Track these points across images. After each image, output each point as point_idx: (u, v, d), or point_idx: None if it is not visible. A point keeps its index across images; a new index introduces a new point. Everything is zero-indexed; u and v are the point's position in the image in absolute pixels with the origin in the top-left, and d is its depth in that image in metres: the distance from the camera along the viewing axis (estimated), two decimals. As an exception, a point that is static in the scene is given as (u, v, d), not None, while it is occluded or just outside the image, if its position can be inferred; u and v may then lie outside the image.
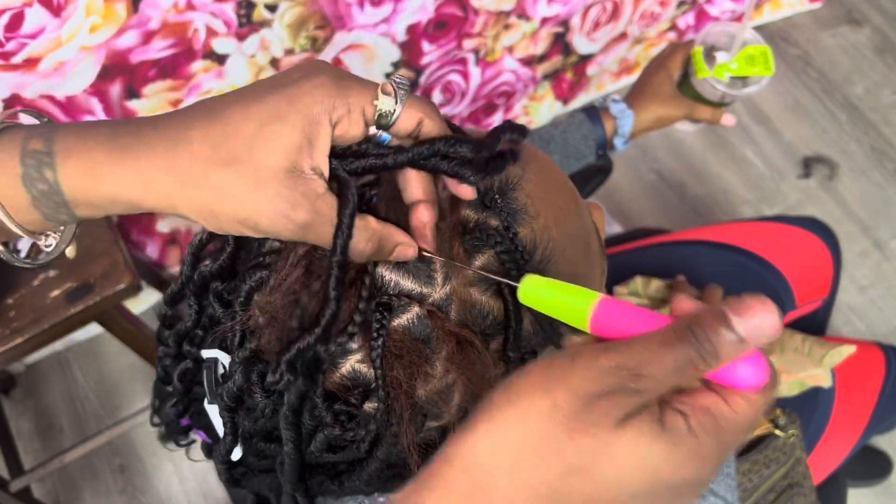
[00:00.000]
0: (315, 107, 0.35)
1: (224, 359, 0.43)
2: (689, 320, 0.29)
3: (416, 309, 0.38)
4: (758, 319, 0.28)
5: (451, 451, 0.30)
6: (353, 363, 0.39)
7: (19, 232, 0.36)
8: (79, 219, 0.37)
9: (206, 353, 0.44)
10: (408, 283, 0.38)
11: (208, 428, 0.48)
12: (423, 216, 0.38)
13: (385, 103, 0.36)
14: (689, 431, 0.29)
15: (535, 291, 0.35)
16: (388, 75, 1.25)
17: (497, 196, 0.40)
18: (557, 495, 0.29)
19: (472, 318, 0.39)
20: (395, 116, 0.37)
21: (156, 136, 0.35)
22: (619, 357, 0.29)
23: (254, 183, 0.34)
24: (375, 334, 0.37)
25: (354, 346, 0.39)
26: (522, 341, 0.40)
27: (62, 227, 0.40)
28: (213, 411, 0.45)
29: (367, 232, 0.36)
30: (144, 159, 0.34)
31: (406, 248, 0.38)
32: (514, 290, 0.39)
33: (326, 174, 0.36)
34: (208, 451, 0.49)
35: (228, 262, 0.42)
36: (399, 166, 0.37)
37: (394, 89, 0.37)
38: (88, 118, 1.01)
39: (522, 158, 0.42)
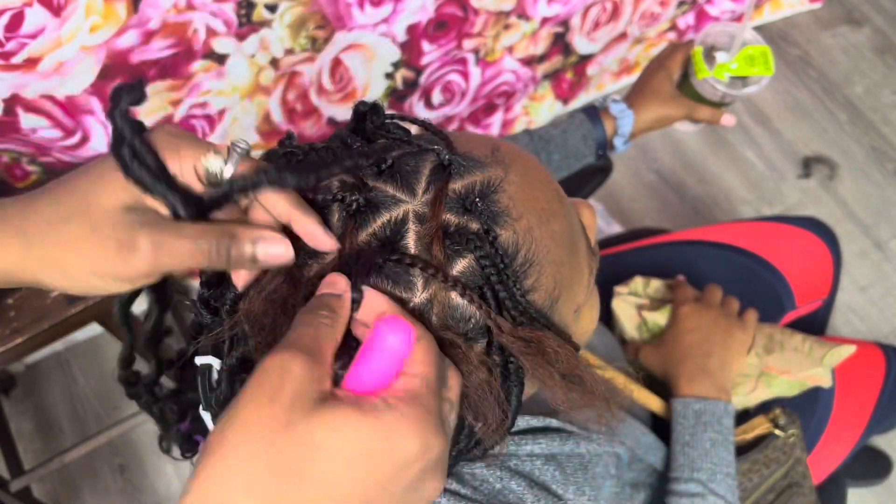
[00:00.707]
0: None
1: (218, 365, 0.43)
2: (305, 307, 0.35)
3: None
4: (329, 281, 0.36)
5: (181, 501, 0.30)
6: (337, 370, 0.39)
7: None
8: None
9: (200, 360, 0.44)
10: (386, 289, 0.38)
11: (206, 434, 0.48)
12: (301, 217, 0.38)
13: (212, 163, 0.37)
14: (387, 405, 0.31)
15: None
16: (388, 75, 1.25)
17: (478, 199, 0.39)
18: None
19: (454, 323, 0.39)
20: (223, 176, 0.37)
21: (11, 208, 0.36)
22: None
23: (90, 228, 0.34)
24: (354, 342, 0.37)
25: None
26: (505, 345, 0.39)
27: None
28: (207, 418, 0.45)
29: (184, 239, 0.36)
30: (0, 232, 0.35)
31: (270, 243, 0.38)
32: (495, 292, 0.39)
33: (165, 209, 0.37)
34: None
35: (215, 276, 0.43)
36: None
37: (228, 151, 0.38)
38: (90, 118, 1.01)
39: (505, 159, 0.42)
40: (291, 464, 0.29)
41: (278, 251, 0.38)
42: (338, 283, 0.36)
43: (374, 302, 0.36)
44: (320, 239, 0.38)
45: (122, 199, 0.35)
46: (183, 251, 0.35)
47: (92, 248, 0.34)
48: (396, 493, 0.31)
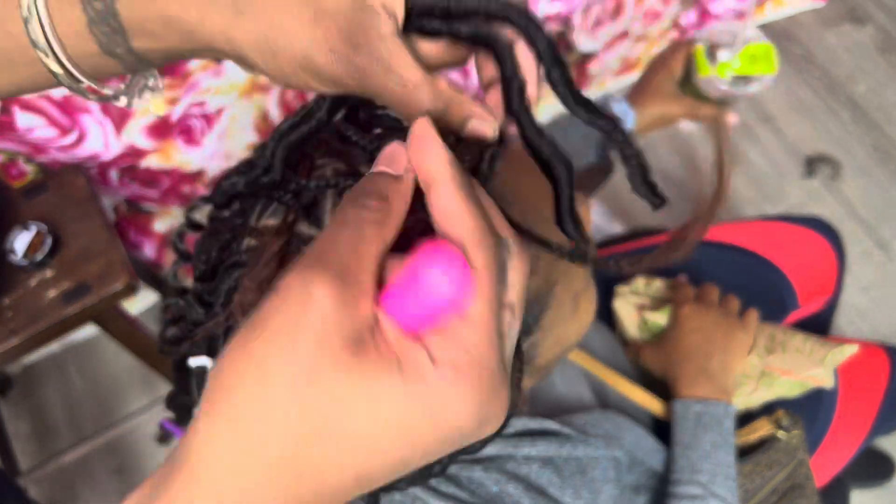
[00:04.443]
0: None
1: (211, 364, 0.43)
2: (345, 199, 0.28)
3: None
4: (386, 154, 0.29)
5: (179, 452, 0.25)
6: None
7: (76, 73, 0.33)
8: (138, 55, 0.34)
9: (195, 362, 0.43)
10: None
11: None
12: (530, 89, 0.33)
13: None
14: (435, 372, 0.25)
15: None
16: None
17: None
18: (303, 474, 0.24)
19: None
20: None
21: None
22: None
23: (313, 14, 0.30)
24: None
25: None
26: None
27: (127, 80, 0.37)
28: None
29: (432, 88, 0.31)
30: None
31: (482, 124, 0.32)
32: None
33: (400, 18, 0.32)
34: None
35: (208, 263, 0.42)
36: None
37: None
38: (87, 117, 1.00)
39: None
40: (316, 424, 0.24)
41: (485, 129, 0.33)
42: (397, 157, 0.29)
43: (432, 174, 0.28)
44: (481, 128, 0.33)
45: None
46: (405, 80, 0.31)
47: (310, 37, 0.30)
48: (442, 454, 0.26)
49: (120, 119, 1.03)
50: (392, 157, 0.29)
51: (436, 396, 0.25)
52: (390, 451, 0.25)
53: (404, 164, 0.29)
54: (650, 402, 0.76)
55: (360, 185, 0.28)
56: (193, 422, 0.25)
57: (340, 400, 0.24)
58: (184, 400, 0.51)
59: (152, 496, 0.25)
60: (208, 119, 1.12)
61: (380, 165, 0.29)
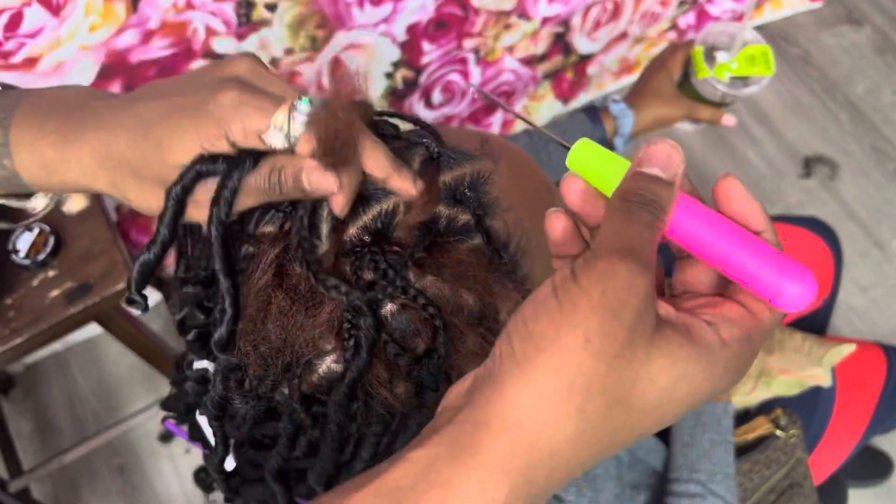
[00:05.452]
0: (211, 117, 0.36)
1: (213, 368, 0.43)
2: (621, 194, 0.30)
3: (388, 306, 0.38)
4: (662, 155, 0.29)
5: (484, 412, 0.27)
6: (329, 364, 0.39)
7: None
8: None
9: (197, 365, 0.44)
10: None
11: (205, 440, 0.47)
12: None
13: (274, 139, 0.36)
14: (723, 345, 0.29)
15: (582, 158, 0.32)
16: (388, 75, 1.25)
17: (467, 190, 0.39)
18: (601, 433, 0.27)
19: (447, 312, 0.39)
20: (290, 142, 0.36)
21: (93, 124, 0.36)
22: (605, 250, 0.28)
23: (160, 181, 0.37)
24: (347, 335, 0.37)
25: (328, 346, 0.38)
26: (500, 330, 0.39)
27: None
28: (204, 422, 0.45)
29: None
30: (84, 147, 0.36)
31: (313, 173, 0.36)
32: (487, 282, 0.38)
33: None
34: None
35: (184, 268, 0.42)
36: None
37: (287, 117, 0.35)
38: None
39: (494, 152, 0.42)
40: (624, 391, 0.27)
41: (320, 179, 0.36)
42: (671, 162, 0.30)
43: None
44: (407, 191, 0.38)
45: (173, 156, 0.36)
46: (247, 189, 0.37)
47: (139, 189, 0.37)
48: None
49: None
50: (667, 161, 0.30)
51: (719, 368, 0.29)
52: (669, 415, 0.28)
53: (677, 171, 0.30)
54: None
55: (640, 186, 0.29)
56: (492, 383, 0.28)
57: (648, 368, 0.27)
58: (182, 401, 0.51)
59: (451, 458, 0.27)
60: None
61: (654, 166, 0.30)
